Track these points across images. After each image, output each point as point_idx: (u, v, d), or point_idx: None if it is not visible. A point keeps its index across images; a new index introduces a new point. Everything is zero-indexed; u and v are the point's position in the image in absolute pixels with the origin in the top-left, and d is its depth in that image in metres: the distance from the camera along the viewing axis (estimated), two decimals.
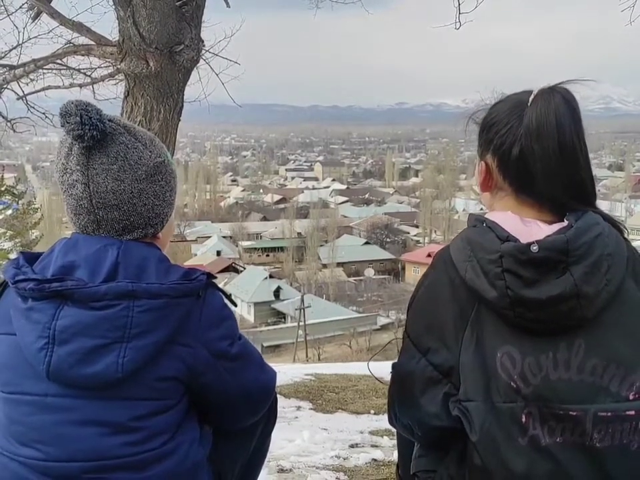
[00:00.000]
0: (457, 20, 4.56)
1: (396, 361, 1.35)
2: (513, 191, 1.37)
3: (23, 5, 4.39)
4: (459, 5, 4.47)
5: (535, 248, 1.21)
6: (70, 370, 1.42)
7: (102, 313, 1.42)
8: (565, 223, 1.28)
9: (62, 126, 1.42)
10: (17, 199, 29.27)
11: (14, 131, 5.16)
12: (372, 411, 4.42)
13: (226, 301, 1.59)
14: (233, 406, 1.60)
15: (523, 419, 1.19)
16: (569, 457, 1.19)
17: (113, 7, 3.57)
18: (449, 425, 1.25)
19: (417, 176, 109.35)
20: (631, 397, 1.21)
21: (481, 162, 1.42)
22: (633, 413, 1.21)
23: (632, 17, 5.02)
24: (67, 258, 1.47)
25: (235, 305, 1.66)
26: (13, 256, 28.84)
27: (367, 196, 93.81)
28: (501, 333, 1.24)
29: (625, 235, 1.35)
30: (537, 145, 1.30)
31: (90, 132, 1.40)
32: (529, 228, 1.28)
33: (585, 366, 1.22)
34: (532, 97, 1.34)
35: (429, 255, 32.62)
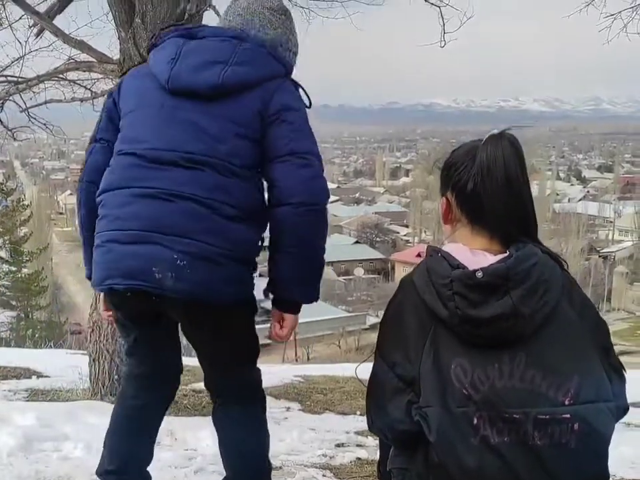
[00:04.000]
0: (442, 39, 4.78)
1: (370, 375, 1.57)
2: (468, 222, 1.60)
3: (22, 17, 4.55)
4: (444, 24, 4.68)
5: (479, 274, 1.44)
6: (184, 76, 1.89)
7: (219, 43, 1.95)
8: (507, 253, 1.50)
9: None
10: (6, 196, 29.30)
11: (15, 139, 5.35)
12: (358, 412, 4.57)
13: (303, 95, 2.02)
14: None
15: (475, 421, 1.40)
16: (514, 454, 1.40)
17: (115, 27, 3.76)
18: (412, 428, 1.45)
19: (407, 176, 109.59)
20: (567, 402, 1.43)
21: (442, 198, 1.65)
22: (568, 416, 1.42)
23: (609, 37, 5.25)
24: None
25: (309, 105, 2.03)
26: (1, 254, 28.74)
27: (357, 195, 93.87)
28: (454, 347, 1.46)
29: (564, 267, 1.57)
30: (487, 180, 1.53)
31: None
32: (477, 257, 1.50)
33: (525, 375, 1.43)
34: (483, 141, 1.57)
35: (418, 255, 32.83)
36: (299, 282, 1.92)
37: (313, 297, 1.97)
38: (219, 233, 1.80)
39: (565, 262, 1.59)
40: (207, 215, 1.79)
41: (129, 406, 2.16)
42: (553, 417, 1.41)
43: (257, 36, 1.99)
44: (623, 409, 1.54)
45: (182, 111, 1.88)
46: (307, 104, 2.01)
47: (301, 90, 2.02)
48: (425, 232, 69.04)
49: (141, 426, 2.16)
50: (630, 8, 5.12)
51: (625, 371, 1.60)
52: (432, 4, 4.71)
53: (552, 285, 1.48)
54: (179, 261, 1.77)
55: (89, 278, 2.04)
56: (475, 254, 1.52)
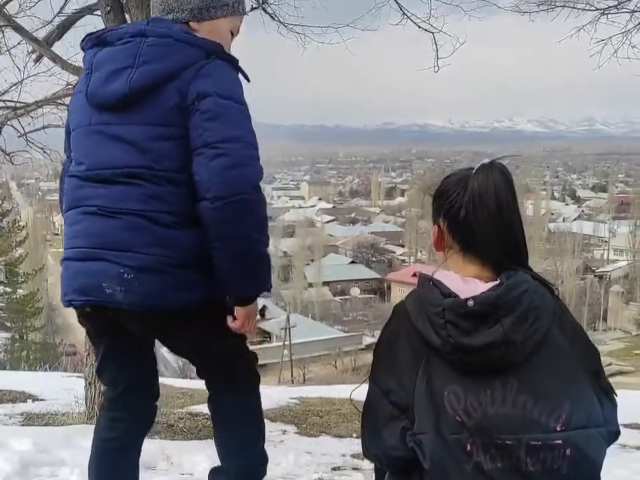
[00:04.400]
0: (436, 64, 4.85)
1: (364, 402, 1.59)
2: (460, 249, 1.63)
3: (20, 42, 4.60)
4: (437, 50, 4.75)
5: (471, 303, 1.47)
6: (98, 89, 1.91)
7: (122, 46, 1.92)
8: (498, 281, 1.53)
9: None
10: (1, 217, 29.27)
11: (12, 163, 5.39)
12: (354, 435, 4.57)
13: (236, 73, 1.96)
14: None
15: (468, 448, 1.42)
16: None
17: None
18: (407, 455, 1.47)
19: (402, 195, 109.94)
20: (558, 428, 1.45)
21: (435, 225, 1.68)
22: (560, 442, 1.44)
23: (600, 62, 5.33)
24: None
25: (248, 80, 2.00)
26: None
27: (353, 215, 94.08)
28: (447, 375, 1.48)
29: (555, 293, 1.60)
30: (479, 208, 1.56)
31: None
32: (468, 285, 1.53)
33: (517, 401, 1.46)
34: (474, 170, 1.61)
35: (414, 275, 32.90)
36: (233, 276, 1.87)
37: (254, 290, 1.94)
38: (159, 243, 1.83)
39: (557, 288, 1.62)
40: (147, 227, 1.82)
41: (103, 438, 2.14)
42: (545, 443, 1.43)
43: (163, 24, 1.94)
44: (615, 434, 1.56)
45: (105, 125, 1.90)
46: (247, 79, 1.99)
47: (229, 65, 1.94)
48: (421, 251, 69.08)
49: (117, 462, 2.13)
50: (620, 33, 5.19)
51: (615, 394, 1.63)
52: (425, 30, 4.80)
53: (542, 312, 1.51)
54: (125, 275, 1.81)
55: None
56: (466, 282, 1.55)
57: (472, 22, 5.26)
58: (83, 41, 2.03)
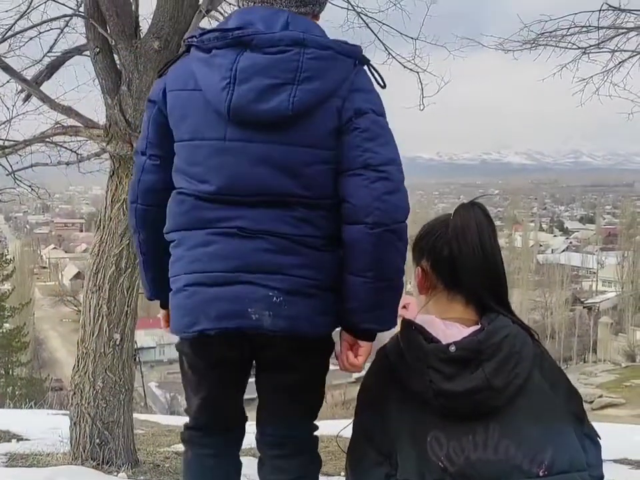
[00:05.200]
0: (421, 102, 4.94)
1: (348, 445, 1.59)
2: (444, 287, 1.65)
3: (9, 81, 4.64)
4: (422, 89, 4.84)
5: (452, 348, 1.49)
6: (248, 106, 1.64)
7: (277, 56, 1.64)
8: (479, 326, 1.55)
9: None
10: None
11: (0, 201, 5.39)
12: (342, 473, 4.53)
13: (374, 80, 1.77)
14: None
15: None
16: None
17: (102, 94, 3.85)
18: None
19: None
20: (541, 474, 1.46)
21: (417, 267, 1.71)
22: None
23: (582, 100, 5.43)
24: (245, 17, 1.72)
25: (384, 86, 1.79)
26: None
27: None
28: (429, 420, 1.49)
29: (536, 337, 1.62)
30: (462, 244, 1.60)
31: None
32: (450, 330, 1.55)
33: (500, 447, 1.47)
34: (455, 209, 1.65)
35: (403, 307, 32.65)
36: (374, 308, 1.69)
37: (390, 324, 1.74)
38: (311, 265, 1.69)
39: (536, 333, 1.65)
40: (295, 249, 1.68)
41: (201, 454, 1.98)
42: None
43: (316, 29, 1.73)
44: (598, 478, 1.57)
45: (247, 143, 1.67)
46: (382, 84, 1.78)
47: (373, 71, 1.78)
48: (410, 283, 68.71)
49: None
50: (600, 73, 5.31)
51: (599, 438, 1.64)
52: (410, 70, 4.90)
53: (523, 356, 1.52)
54: (274, 298, 1.66)
55: (150, 298, 1.97)
56: (448, 326, 1.57)
57: (456, 60, 5.37)
58: (202, 35, 1.73)
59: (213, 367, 1.84)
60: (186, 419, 2.12)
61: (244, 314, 1.66)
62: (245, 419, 2.05)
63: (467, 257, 1.59)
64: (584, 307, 54.20)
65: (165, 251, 1.84)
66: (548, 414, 1.52)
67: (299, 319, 1.67)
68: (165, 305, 1.95)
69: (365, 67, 1.75)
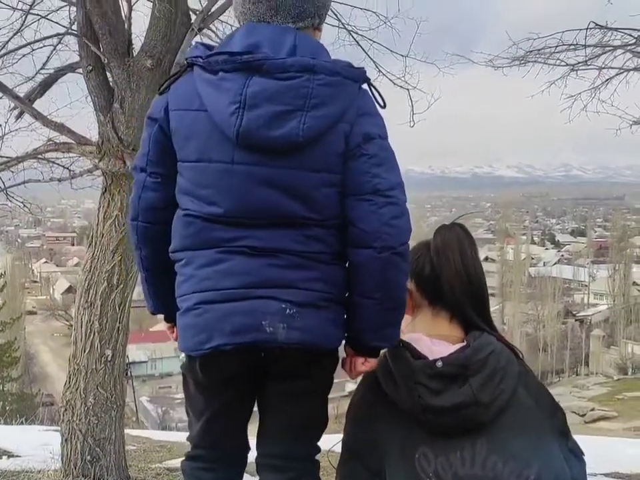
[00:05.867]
0: (411, 119, 5.00)
1: (338, 461, 1.62)
2: (429, 304, 1.69)
3: (1, 98, 4.66)
4: (412, 106, 4.89)
5: (439, 364, 1.52)
6: (258, 132, 1.64)
7: (287, 82, 1.63)
8: (465, 342, 1.58)
9: None
10: None
11: None
12: None
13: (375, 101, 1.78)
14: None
15: None
16: None
17: (94, 111, 3.88)
18: None
19: None
20: None
21: None
22: None
23: (570, 117, 5.50)
24: (251, 38, 1.70)
25: (384, 106, 1.79)
26: None
27: None
28: (417, 436, 1.52)
29: (520, 356, 1.65)
30: (443, 260, 1.65)
31: None
32: (436, 347, 1.59)
33: (487, 462, 1.49)
34: (435, 230, 1.69)
35: None
36: (382, 327, 1.72)
37: (396, 339, 1.76)
38: (322, 278, 1.72)
39: (520, 352, 1.68)
40: (305, 264, 1.71)
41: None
42: None
43: (323, 53, 1.73)
44: None
45: (255, 167, 1.68)
46: (382, 104, 1.79)
47: (373, 91, 1.79)
48: None
49: None
50: (588, 90, 5.38)
51: (583, 455, 1.67)
52: (400, 87, 4.96)
53: (508, 373, 1.55)
54: (287, 310, 1.68)
55: (153, 312, 1.98)
56: (434, 343, 1.60)
57: (447, 75, 5.43)
58: (209, 57, 1.70)
59: (223, 383, 1.83)
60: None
61: (259, 327, 1.68)
62: (248, 449, 2.02)
63: (449, 272, 1.64)
64: (576, 320, 54.32)
65: (168, 266, 1.85)
66: (533, 430, 1.55)
67: (311, 331, 1.70)
68: (169, 319, 1.95)
69: (366, 86, 1.77)
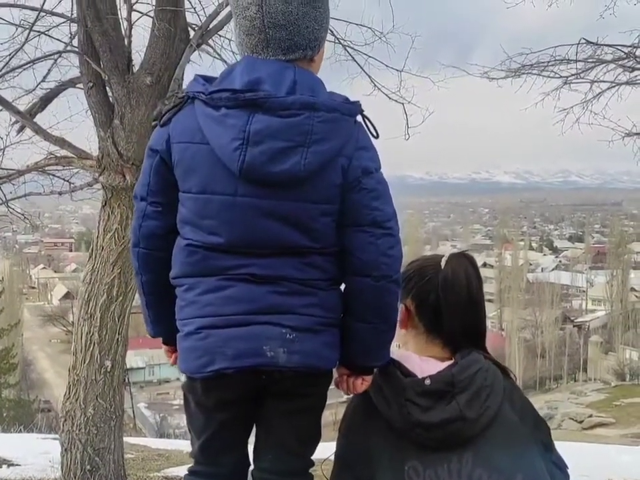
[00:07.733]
0: (406, 132, 5.08)
1: (330, 473, 1.68)
2: (425, 330, 1.75)
3: (1, 110, 4.73)
4: (407, 119, 4.97)
5: (427, 382, 1.59)
6: (261, 167, 1.70)
7: (289, 120, 1.69)
8: (453, 361, 1.65)
9: None
10: None
11: None
12: None
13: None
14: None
15: None
16: None
17: (95, 127, 3.96)
18: None
19: None
20: None
21: (402, 305, 1.81)
22: None
23: (563, 129, 5.59)
24: (252, 74, 1.74)
25: (377, 136, 1.86)
26: None
27: None
28: (407, 450, 1.59)
29: (507, 373, 1.72)
30: (450, 295, 1.70)
31: None
32: (426, 365, 1.66)
33: (473, 475, 1.56)
34: (446, 258, 1.75)
35: None
36: (378, 349, 1.80)
37: (387, 358, 1.83)
38: (317, 304, 1.78)
39: (512, 372, 1.75)
40: (304, 290, 1.77)
41: None
42: None
43: (324, 93, 1.78)
44: None
45: (256, 199, 1.74)
46: (375, 135, 1.85)
47: (367, 123, 1.85)
48: None
49: None
50: (580, 103, 5.47)
51: (567, 467, 1.74)
52: (396, 101, 5.05)
53: (494, 390, 1.62)
54: (287, 335, 1.74)
55: (153, 336, 2.03)
56: (424, 361, 1.67)
57: (443, 85, 5.51)
58: (212, 93, 1.74)
59: (223, 404, 1.88)
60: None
61: (260, 351, 1.74)
62: (248, 465, 2.06)
63: (452, 306, 1.70)
64: (574, 326, 54.40)
65: (168, 290, 1.91)
66: (518, 443, 1.61)
67: (310, 354, 1.76)
68: (168, 342, 2.01)
69: (360, 117, 1.83)
